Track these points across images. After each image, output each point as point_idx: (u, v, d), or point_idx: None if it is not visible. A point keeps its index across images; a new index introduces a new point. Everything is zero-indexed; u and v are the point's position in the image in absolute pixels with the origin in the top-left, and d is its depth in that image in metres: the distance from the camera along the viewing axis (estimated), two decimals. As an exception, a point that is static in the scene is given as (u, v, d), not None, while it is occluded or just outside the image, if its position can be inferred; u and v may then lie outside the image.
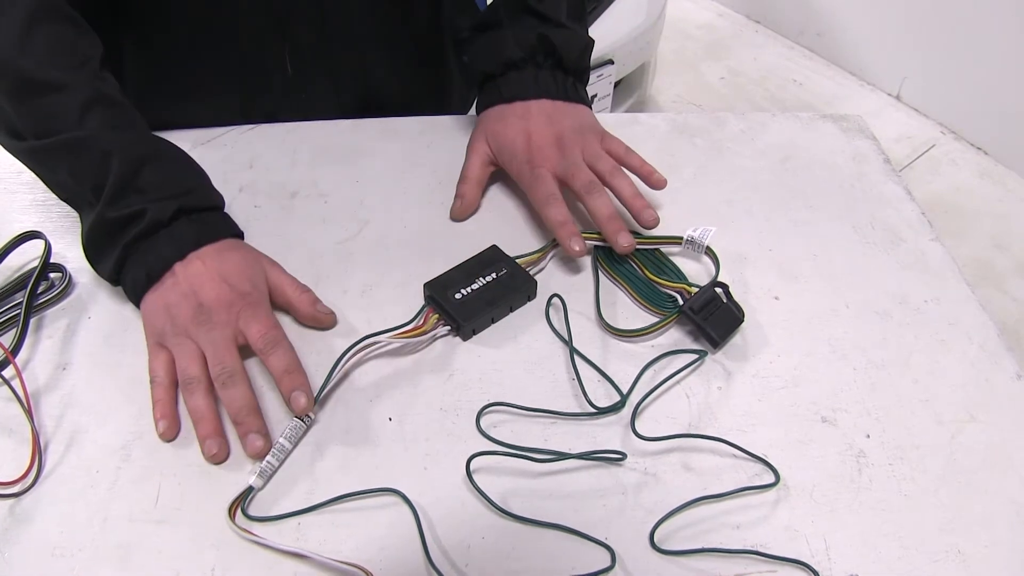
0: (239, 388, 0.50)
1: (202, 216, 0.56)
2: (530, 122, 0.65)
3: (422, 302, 0.57)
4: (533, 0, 0.67)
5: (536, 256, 0.61)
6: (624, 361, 0.55)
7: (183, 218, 0.55)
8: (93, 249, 0.55)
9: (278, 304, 0.56)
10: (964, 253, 1.87)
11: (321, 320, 0.56)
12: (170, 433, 0.50)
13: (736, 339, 0.57)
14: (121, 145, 0.54)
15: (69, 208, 0.58)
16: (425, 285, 0.57)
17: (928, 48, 2.21)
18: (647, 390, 0.53)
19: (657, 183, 0.64)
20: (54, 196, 0.58)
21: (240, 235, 0.59)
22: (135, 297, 0.55)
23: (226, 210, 0.60)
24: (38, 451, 0.48)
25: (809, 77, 2.47)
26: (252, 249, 0.58)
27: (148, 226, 0.53)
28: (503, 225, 0.65)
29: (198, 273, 0.53)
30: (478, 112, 0.70)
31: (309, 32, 0.73)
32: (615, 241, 0.59)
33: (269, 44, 0.72)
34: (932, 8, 2.14)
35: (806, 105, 2.34)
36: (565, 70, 0.68)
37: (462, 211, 0.65)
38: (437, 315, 0.56)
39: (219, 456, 0.49)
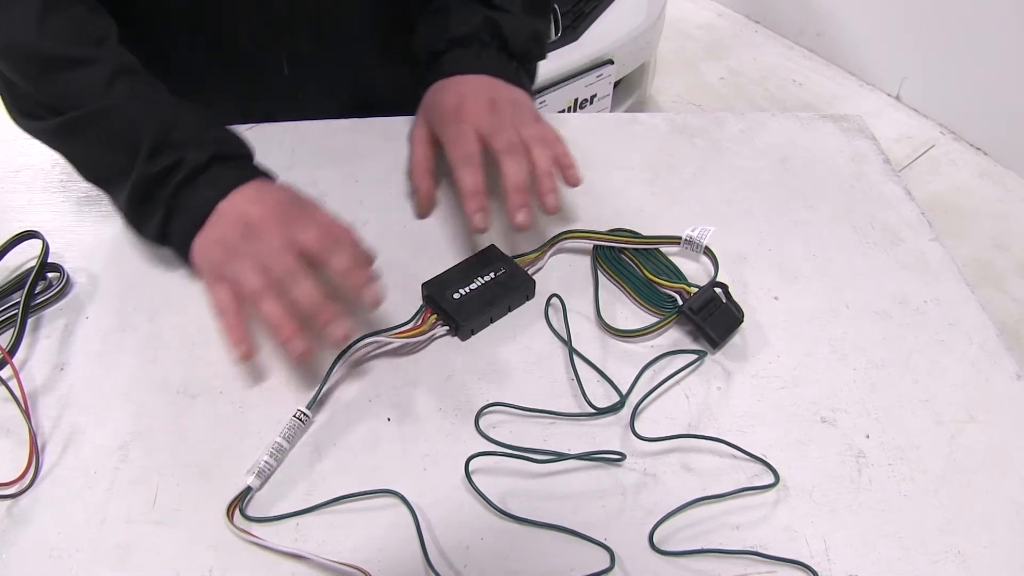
0: (304, 284, 0.49)
1: (237, 162, 0.57)
2: (464, 86, 0.64)
3: (420, 302, 0.57)
4: None
5: (534, 255, 0.61)
6: (623, 361, 0.55)
7: (219, 163, 0.55)
8: (135, 212, 0.56)
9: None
10: (964, 253, 1.87)
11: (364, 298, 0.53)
12: (250, 354, 0.50)
13: (735, 339, 0.57)
14: (151, 109, 0.55)
15: (66, 207, 0.58)
16: (423, 285, 0.57)
17: (928, 48, 2.21)
18: (646, 390, 0.53)
19: (571, 179, 0.61)
20: (51, 196, 0.58)
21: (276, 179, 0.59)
22: (184, 246, 0.54)
23: None
24: (35, 452, 0.48)
25: (809, 77, 2.47)
26: (288, 186, 0.57)
27: (187, 174, 0.54)
28: (501, 225, 0.65)
29: (241, 202, 0.53)
30: (423, 93, 0.69)
31: (306, 35, 0.72)
32: (512, 214, 0.57)
33: (267, 46, 0.72)
34: (932, 8, 2.14)
35: (806, 105, 2.34)
36: (511, 54, 0.67)
37: (425, 206, 0.64)
38: (435, 315, 0.56)
39: (309, 353, 0.48)
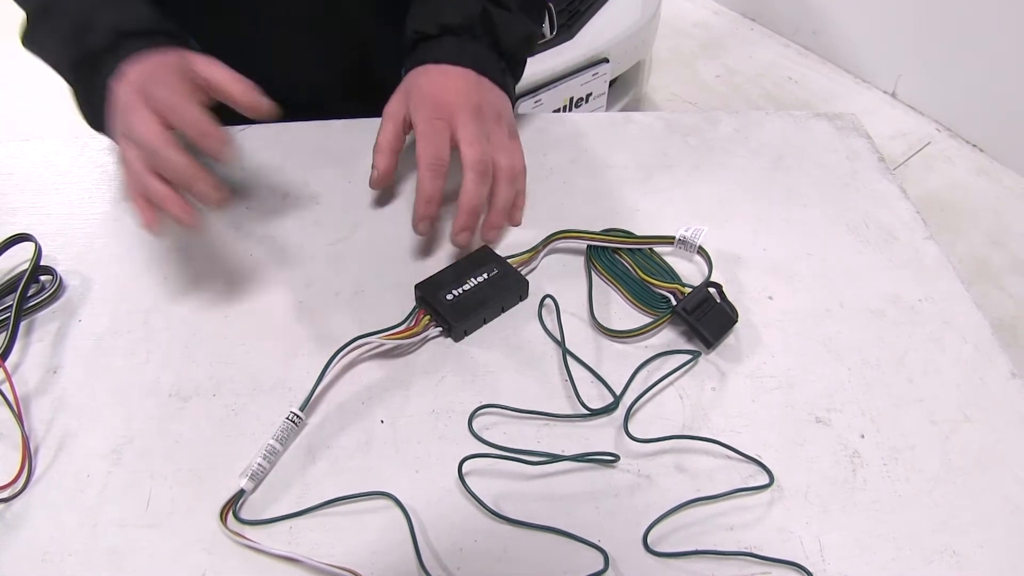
0: (170, 154, 0.51)
1: (149, 37, 0.57)
2: (451, 79, 0.63)
3: (414, 303, 0.57)
4: None
5: (527, 256, 0.60)
6: (617, 362, 0.55)
7: (126, 41, 0.56)
8: (83, 96, 0.62)
9: (220, 98, 0.56)
10: (960, 250, 1.87)
11: (255, 107, 0.55)
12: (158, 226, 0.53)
13: (730, 339, 0.57)
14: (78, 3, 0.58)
15: (59, 210, 0.58)
16: (416, 286, 0.57)
17: (923, 45, 2.21)
18: (640, 391, 0.53)
19: (514, 219, 0.63)
20: (44, 199, 0.58)
21: (179, 43, 0.59)
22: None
23: None
24: (28, 455, 0.48)
25: (805, 75, 2.47)
26: (187, 53, 0.57)
27: (96, 54, 0.57)
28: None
29: (123, 87, 0.54)
30: (404, 74, 0.67)
31: (311, 14, 0.73)
32: (456, 232, 0.58)
33: (266, 10, 0.73)
34: (927, 5, 2.14)
35: (802, 102, 2.34)
36: (500, 52, 0.67)
37: (378, 182, 0.63)
38: (428, 316, 0.56)
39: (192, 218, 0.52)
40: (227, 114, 0.72)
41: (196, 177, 0.51)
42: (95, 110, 0.57)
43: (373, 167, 0.63)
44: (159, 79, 0.54)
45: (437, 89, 0.62)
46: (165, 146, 0.51)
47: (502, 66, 0.67)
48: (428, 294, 0.56)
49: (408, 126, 0.64)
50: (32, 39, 0.61)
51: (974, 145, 2.18)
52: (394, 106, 0.64)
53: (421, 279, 0.57)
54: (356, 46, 0.78)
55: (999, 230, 1.94)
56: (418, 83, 0.64)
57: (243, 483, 0.47)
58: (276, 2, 0.72)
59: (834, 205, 0.68)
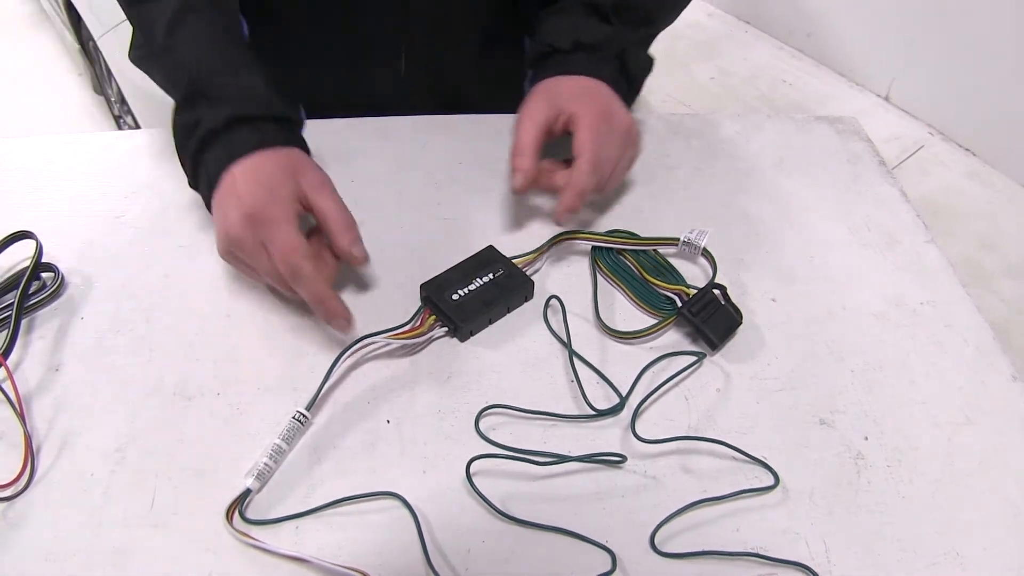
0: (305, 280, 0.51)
1: (256, 124, 0.55)
2: (590, 84, 0.64)
3: (419, 303, 0.57)
4: (611, 12, 0.66)
5: (532, 256, 0.60)
6: (622, 363, 0.55)
7: (236, 125, 0.55)
8: (179, 153, 0.58)
9: (321, 230, 0.55)
10: (953, 253, 1.87)
11: (352, 261, 0.55)
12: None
13: (733, 341, 0.57)
14: (197, 56, 0.57)
15: (61, 207, 0.58)
16: (422, 286, 0.57)
17: (917, 49, 2.22)
18: (646, 392, 0.53)
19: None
20: (45, 196, 0.58)
21: (301, 147, 0.58)
22: (208, 204, 0.56)
23: None
24: (30, 454, 0.47)
25: (799, 77, 2.48)
26: (298, 162, 0.56)
27: (204, 135, 0.55)
28: (499, 226, 0.65)
29: (229, 186, 0.53)
30: (534, 82, 0.67)
31: (427, 28, 0.74)
32: (559, 212, 0.60)
33: (387, 38, 0.74)
34: (921, 9, 2.16)
35: (796, 105, 2.35)
36: (627, 76, 0.67)
37: (524, 185, 0.61)
38: (434, 316, 0.56)
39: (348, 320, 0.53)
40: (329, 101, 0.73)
41: (331, 309, 0.52)
42: (182, 150, 0.57)
43: (515, 170, 0.61)
44: (270, 217, 0.51)
45: (598, 97, 0.63)
46: (303, 272, 0.51)
47: (627, 89, 0.67)
48: (434, 294, 0.56)
49: (550, 133, 0.63)
50: (142, 62, 0.62)
51: (967, 149, 2.19)
52: (534, 109, 0.63)
53: (426, 279, 0.57)
54: (459, 75, 0.80)
55: (991, 234, 1.96)
56: (559, 83, 0.64)
57: (249, 482, 0.46)
58: (404, 25, 0.74)
59: (836, 208, 0.69)
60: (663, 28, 0.73)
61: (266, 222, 0.51)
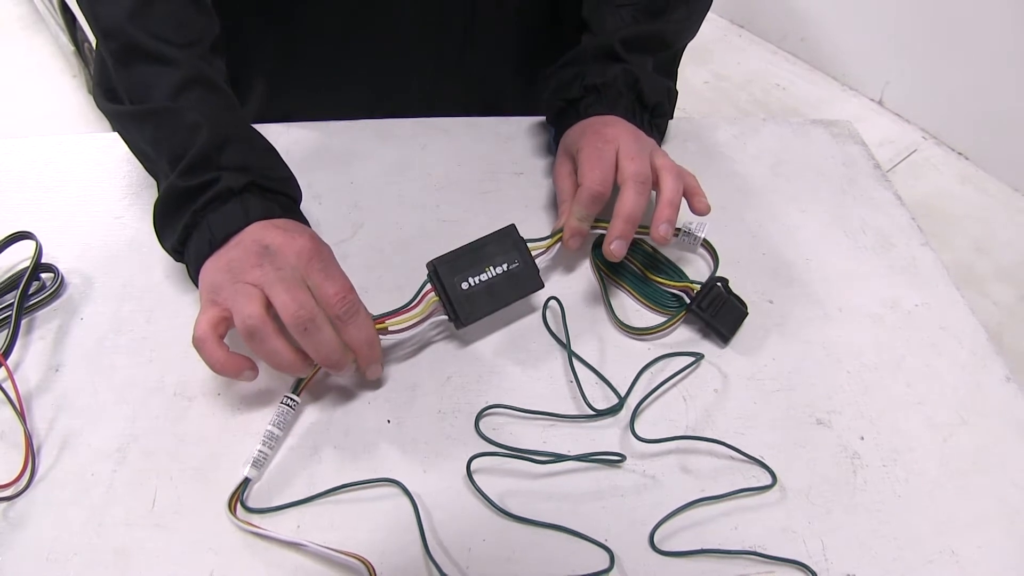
0: (325, 332, 0.47)
1: (275, 197, 0.54)
2: (607, 121, 0.63)
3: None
4: (620, 49, 0.66)
5: (551, 243, 0.59)
6: (621, 364, 0.55)
7: (255, 191, 0.53)
8: (161, 219, 0.53)
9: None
10: (946, 257, 1.87)
11: (368, 375, 0.52)
12: (253, 373, 0.48)
13: (732, 342, 0.57)
14: (210, 122, 0.53)
15: (60, 208, 0.57)
16: (432, 262, 0.54)
17: (910, 53, 2.24)
18: (644, 392, 0.53)
19: (698, 205, 0.60)
20: (46, 195, 0.58)
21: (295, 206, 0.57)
22: (196, 267, 0.51)
23: None
24: (31, 454, 0.48)
25: (793, 82, 2.49)
26: (304, 243, 0.51)
27: (219, 192, 0.51)
28: (499, 227, 0.65)
29: (262, 228, 0.50)
30: (557, 140, 0.68)
31: (456, 38, 0.75)
32: (608, 241, 0.57)
33: (414, 46, 0.75)
34: (914, 14, 2.17)
35: (790, 109, 2.37)
36: (644, 104, 0.66)
37: (571, 242, 0.60)
38: (437, 297, 0.54)
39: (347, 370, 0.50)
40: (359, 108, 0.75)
41: (377, 353, 0.51)
42: (176, 212, 0.53)
43: (565, 228, 0.60)
44: (329, 255, 0.51)
45: (597, 126, 0.63)
46: (323, 317, 0.48)
47: (647, 118, 0.67)
48: (444, 275, 0.53)
49: (576, 183, 0.62)
50: (122, 117, 0.57)
51: (960, 153, 2.21)
52: (561, 166, 0.65)
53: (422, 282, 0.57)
54: (494, 88, 0.81)
55: (984, 237, 1.97)
56: (576, 132, 0.64)
57: (247, 471, 0.47)
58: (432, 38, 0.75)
59: (832, 211, 0.69)
60: (685, 44, 0.74)
61: (326, 257, 0.50)
